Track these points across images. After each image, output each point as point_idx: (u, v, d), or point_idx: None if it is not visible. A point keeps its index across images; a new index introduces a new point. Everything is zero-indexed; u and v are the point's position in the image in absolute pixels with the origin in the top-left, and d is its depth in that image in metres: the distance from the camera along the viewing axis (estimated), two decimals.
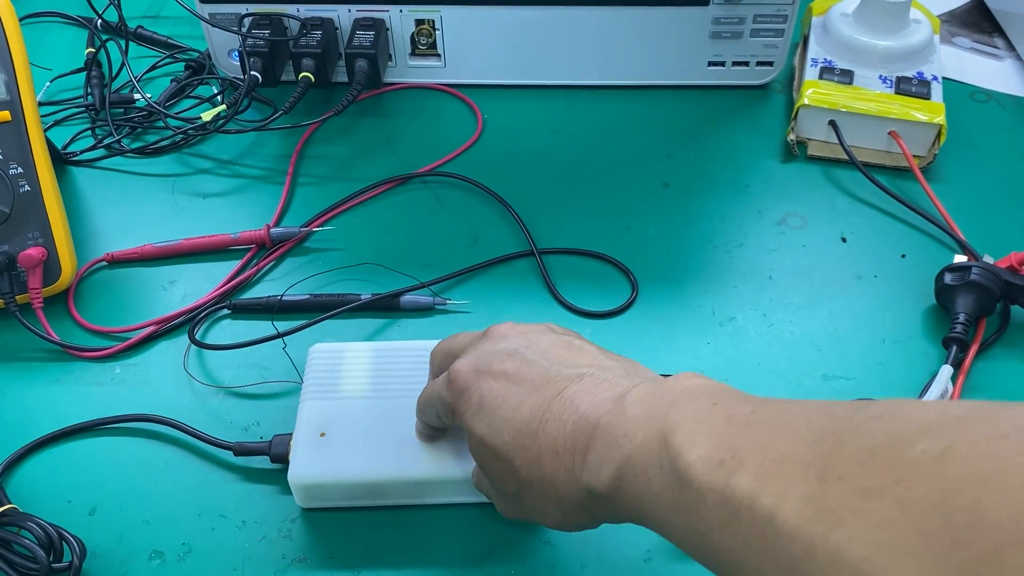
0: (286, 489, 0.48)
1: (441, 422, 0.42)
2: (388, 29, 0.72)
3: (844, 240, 0.62)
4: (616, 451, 0.31)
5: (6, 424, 0.52)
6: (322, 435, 0.47)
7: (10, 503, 0.47)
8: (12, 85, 0.56)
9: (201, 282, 0.60)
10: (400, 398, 0.48)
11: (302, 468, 0.46)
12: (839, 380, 0.54)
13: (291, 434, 0.48)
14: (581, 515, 0.34)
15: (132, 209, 0.66)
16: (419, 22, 0.72)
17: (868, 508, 0.23)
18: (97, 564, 0.46)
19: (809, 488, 0.25)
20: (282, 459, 0.49)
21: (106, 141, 0.71)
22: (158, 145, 0.70)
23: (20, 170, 0.56)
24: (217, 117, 0.67)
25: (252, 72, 0.68)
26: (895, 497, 0.22)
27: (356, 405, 0.48)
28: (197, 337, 0.56)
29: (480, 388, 0.36)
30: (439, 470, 0.46)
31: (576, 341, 0.38)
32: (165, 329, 0.57)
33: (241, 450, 0.50)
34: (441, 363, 0.43)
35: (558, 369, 0.35)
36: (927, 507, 0.22)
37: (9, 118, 0.56)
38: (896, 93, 0.67)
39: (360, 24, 0.71)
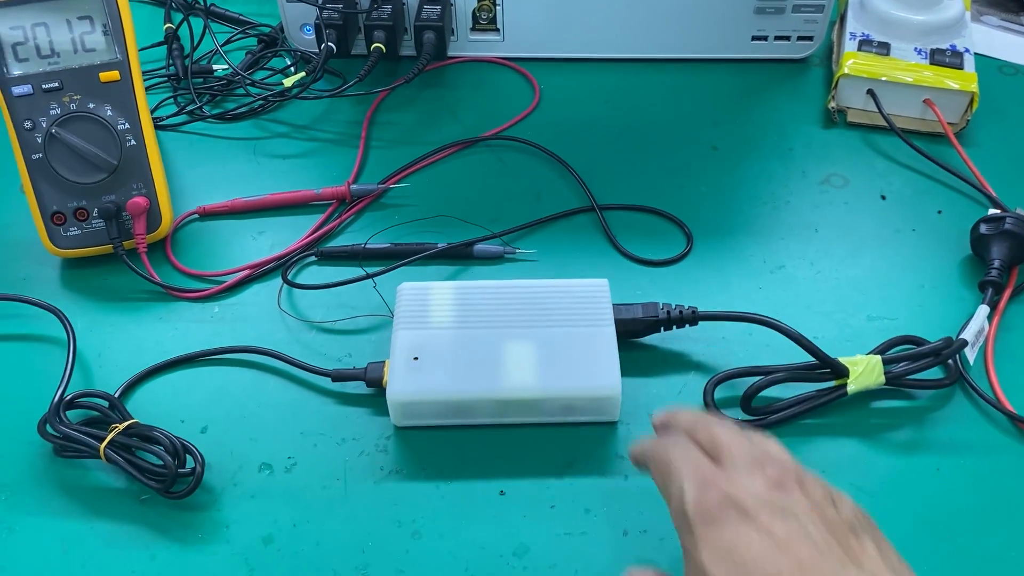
0: (380, 411, 0.53)
1: (655, 483, 0.38)
2: (452, 4, 0.77)
3: (884, 198, 0.67)
4: None
5: (120, 354, 0.57)
6: (415, 359, 0.52)
7: (133, 419, 0.52)
8: (122, 47, 0.61)
9: (288, 233, 0.65)
10: (483, 328, 0.53)
11: (399, 387, 0.51)
12: (882, 320, 0.58)
13: (384, 361, 0.53)
14: None
15: (217, 168, 0.71)
16: None
17: None
18: (213, 474, 0.51)
19: None
20: (377, 383, 0.53)
21: (188, 108, 0.76)
22: (237, 112, 0.75)
23: (127, 126, 0.61)
24: (297, 83, 0.72)
25: (328, 43, 0.73)
26: None
27: (444, 334, 0.53)
28: (289, 279, 0.61)
29: (736, 532, 0.32)
30: (522, 391, 0.51)
31: (853, 534, 0.33)
32: (259, 273, 0.62)
33: (339, 376, 0.55)
34: (695, 434, 0.38)
35: (835, 562, 0.31)
36: None
37: (118, 77, 0.61)
38: (931, 64, 0.71)
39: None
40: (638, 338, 0.56)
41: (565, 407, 0.52)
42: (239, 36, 0.84)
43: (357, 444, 0.52)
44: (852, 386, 0.52)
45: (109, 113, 0.61)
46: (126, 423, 0.51)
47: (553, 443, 0.52)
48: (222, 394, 0.55)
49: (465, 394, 0.51)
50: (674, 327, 0.55)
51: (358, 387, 0.55)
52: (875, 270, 0.61)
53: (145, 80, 0.78)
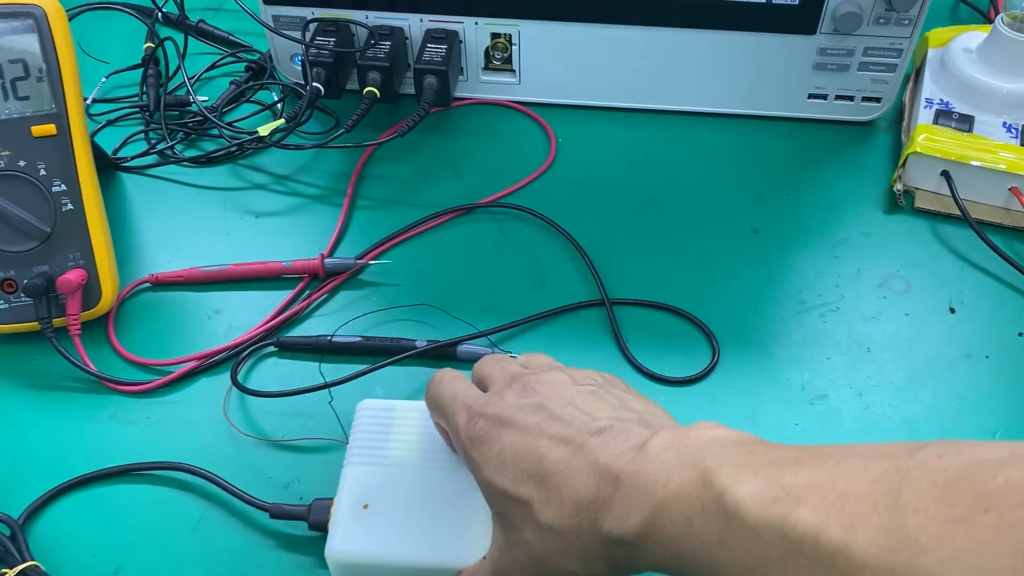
0: (323, 561, 0.44)
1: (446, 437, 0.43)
2: (461, 42, 0.67)
3: (952, 311, 0.56)
4: (646, 498, 0.31)
5: (36, 461, 0.49)
6: (365, 507, 0.43)
7: (32, 559, 0.44)
8: (59, 96, 0.52)
9: (248, 313, 0.57)
10: (454, 469, 0.44)
11: (340, 544, 0.42)
12: None
13: (332, 499, 0.44)
14: (602, 568, 0.34)
15: (181, 223, 0.63)
16: (495, 36, 0.66)
17: (958, 536, 0.24)
18: None
19: (882, 520, 0.25)
20: (321, 527, 0.45)
21: (159, 147, 0.67)
22: (213, 155, 0.66)
23: (64, 187, 0.53)
24: (276, 130, 0.63)
25: (314, 84, 0.64)
26: (987, 524, 0.23)
27: (405, 474, 0.44)
28: (240, 376, 0.53)
29: (501, 440, 0.37)
30: None
31: (599, 391, 0.39)
32: (207, 365, 0.54)
33: (278, 513, 0.46)
34: (475, 382, 0.42)
35: (580, 423, 0.36)
36: None
37: (55, 132, 0.52)
38: (1022, 144, 0.59)
39: (432, 36, 0.66)
40: None
41: None
42: (228, 60, 0.75)
43: None
44: None
45: (43, 173, 0.53)
46: (19, 568, 0.43)
47: None
48: (146, 522, 0.47)
49: (423, 560, 0.42)
50: None
51: (301, 527, 0.46)
52: (937, 408, 0.51)
53: (117, 110, 0.71)
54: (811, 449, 0.30)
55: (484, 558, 0.40)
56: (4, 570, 0.43)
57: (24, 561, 0.43)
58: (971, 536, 0.24)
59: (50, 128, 0.52)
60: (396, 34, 0.65)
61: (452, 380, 0.41)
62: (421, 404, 0.47)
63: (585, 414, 0.36)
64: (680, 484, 0.31)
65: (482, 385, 0.42)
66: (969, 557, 0.23)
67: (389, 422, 0.46)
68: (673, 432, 0.33)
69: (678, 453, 0.32)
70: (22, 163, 0.52)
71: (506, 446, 0.36)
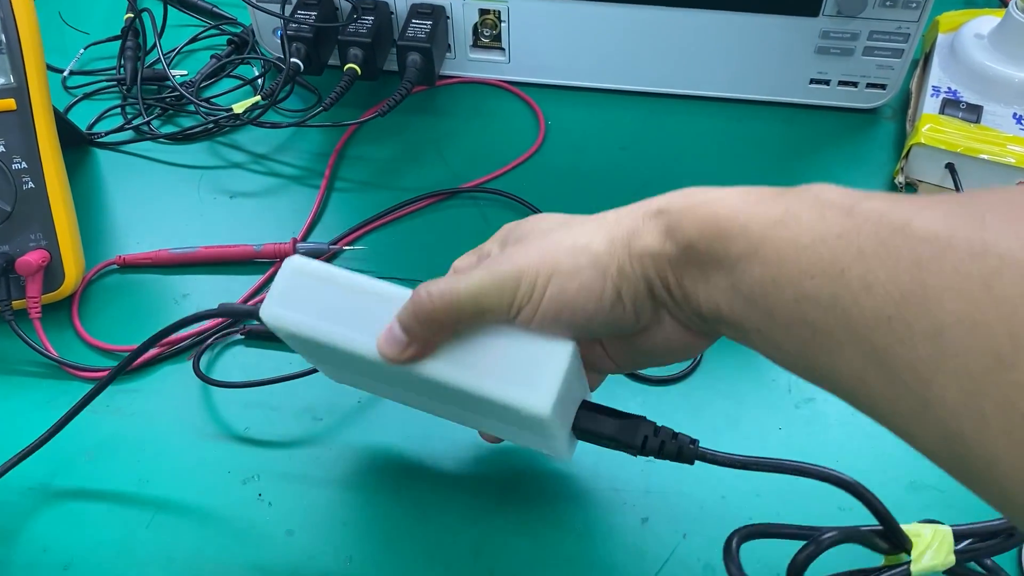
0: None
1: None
2: (448, 18, 0.64)
3: None
4: (710, 193, 0.30)
5: None
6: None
7: None
8: (19, 69, 0.50)
9: (216, 298, 0.54)
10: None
11: (272, 307, 0.36)
12: (930, 491, 0.46)
13: None
14: (625, 252, 0.32)
15: (154, 202, 0.60)
16: (483, 12, 0.64)
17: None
18: None
19: (953, 206, 0.24)
20: None
21: (135, 122, 0.65)
22: (190, 131, 0.64)
23: (24, 165, 0.51)
24: (252, 107, 0.60)
25: (293, 59, 0.61)
26: None
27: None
28: (203, 366, 0.51)
29: (518, 248, 0.34)
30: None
31: None
32: (170, 352, 0.52)
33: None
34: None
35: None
36: None
37: (14, 107, 0.50)
38: None
39: (417, 11, 0.63)
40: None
41: (479, 406, 0.36)
42: (211, 32, 0.72)
43: None
44: (915, 565, 0.39)
45: (2, 149, 0.51)
46: None
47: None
48: (97, 520, 0.45)
49: (341, 341, 0.35)
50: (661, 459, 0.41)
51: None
52: None
53: (94, 83, 0.68)
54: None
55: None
56: None
57: None
58: None
59: (10, 103, 0.50)
60: (380, 8, 0.63)
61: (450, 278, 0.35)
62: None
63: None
64: (760, 189, 0.29)
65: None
66: None
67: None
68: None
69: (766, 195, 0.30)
70: None
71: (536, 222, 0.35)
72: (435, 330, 0.33)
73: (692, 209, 0.30)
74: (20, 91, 0.50)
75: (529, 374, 0.33)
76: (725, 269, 0.29)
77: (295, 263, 0.36)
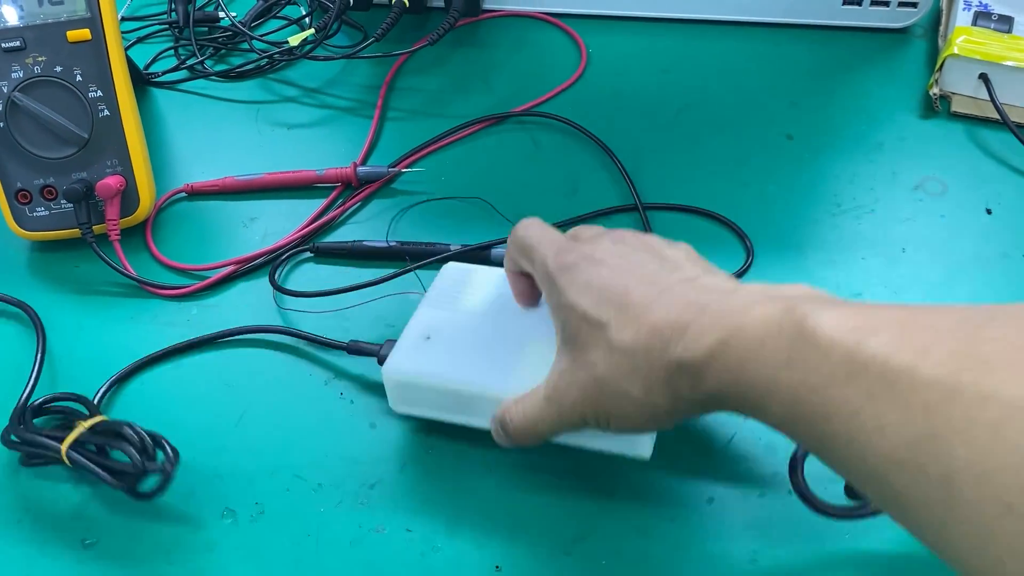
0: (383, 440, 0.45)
1: (517, 267, 0.43)
2: None
3: (989, 212, 0.55)
4: (724, 321, 0.32)
5: (82, 361, 0.50)
6: (427, 339, 0.44)
7: (101, 415, 0.45)
8: (93, 0, 0.52)
9: (283, 220, 0.57)
10: (518, 319, 0.44)
11: (396, 363, 0.43)
12: None
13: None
14: (661, 395, 0.34)
15: (214, 136, 0.63)
16: None
17: None
18: (171, 517, 0.44)
19: (957, 346, 0.25)
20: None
21: (189, 62, 0.67)
22: (242, 69, 0.67)
23: (100, 93, 0.53)
24: (305, 42, 0.63)
25: None
26: None
27: (470, 319, 0.45)
28: (278, 280, 0.53)
29: (590, 271, 0.37)
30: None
31: (690, 261, 0.38)
32: (245, 270, 0.54)
33: (355, 349, 0.48)
34: (519, 246, 0.43)
35: (670, 270, 0.37)
36: None
37: (89, 36, 0.53)
38: None
39: None
40: None
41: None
42: None
43: (336, 491, 0.45)
44: None
45: (79, 78, 0.53)
46: (92, 420, 0.44)
47: (567, 505, 0.43)
48: (202, 399, 0.48)
49: (467, 385, 0.42)
50: None
51: (358, 419, 0.47)
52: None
53: (145, 27, 0.71)
54: (896, 304, 0.29)
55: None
56: (78, 421, 0.44)
57: (93, 416, 0.44)
58: None
59: (85, 33, 0.52)
60: None
61: (541, 224, 0.42)
62: (501, 271, 0.47)
63: (675, 265, 0.37)
64: (764, 312, 0.30)
65: (530, 252, 0.41)
66: None
67: (467, 281, 0.47)
68: (767, 285, 0.34)
69: (768, 293, 0.32)
70: (58, 68, 0.52)
71: (594, 276, 0.37)
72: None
73: (711, 362, 0.32)
74: (94, 21, 0.52)
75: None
76: (749, 406, 0.31)
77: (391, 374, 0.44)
